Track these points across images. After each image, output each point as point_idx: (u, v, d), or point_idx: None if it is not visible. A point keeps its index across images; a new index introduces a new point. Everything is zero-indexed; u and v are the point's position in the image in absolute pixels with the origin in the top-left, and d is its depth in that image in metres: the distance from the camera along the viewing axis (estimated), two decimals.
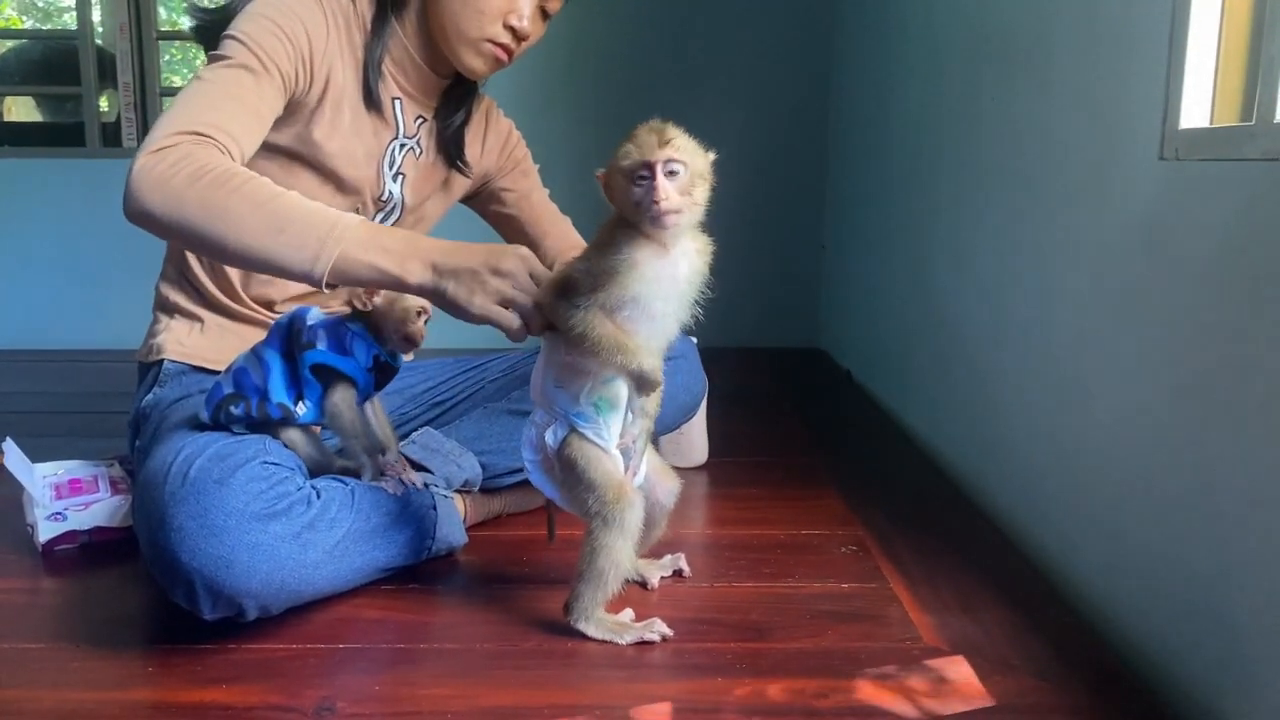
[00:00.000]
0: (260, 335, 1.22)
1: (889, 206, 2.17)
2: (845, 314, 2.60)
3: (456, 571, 1.24)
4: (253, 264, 1.05)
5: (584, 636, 1.04)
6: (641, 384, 0.99)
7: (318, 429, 1.20)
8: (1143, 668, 1.03)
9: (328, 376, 1.13)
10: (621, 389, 1.02)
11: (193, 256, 1.32)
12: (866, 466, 1.71)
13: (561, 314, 0.98)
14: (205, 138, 1.07)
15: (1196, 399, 0.97)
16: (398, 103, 1.32)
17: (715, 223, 1.00)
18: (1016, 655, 1.02)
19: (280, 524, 1.02)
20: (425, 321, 1.14)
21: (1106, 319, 1.15)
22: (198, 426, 1.12)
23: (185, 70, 3.93)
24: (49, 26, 4.00)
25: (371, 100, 1.28)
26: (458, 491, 1.30)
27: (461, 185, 1.45)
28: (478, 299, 1.01)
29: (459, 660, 1.01)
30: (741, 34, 2.77)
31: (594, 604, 1.03)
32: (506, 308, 1.01)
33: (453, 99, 1.37)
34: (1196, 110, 1.00)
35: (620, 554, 1.01)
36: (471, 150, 1.42)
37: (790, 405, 2.19)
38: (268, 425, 1.13)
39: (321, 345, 1.12)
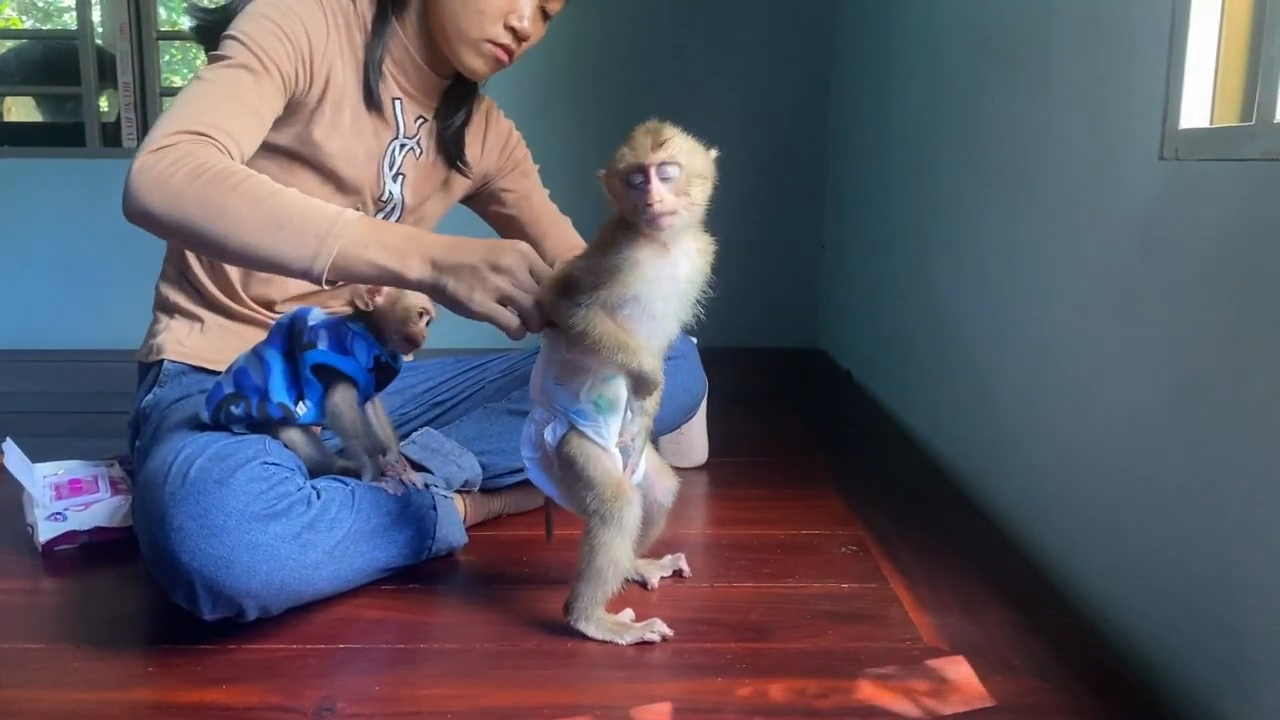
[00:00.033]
0: (260, 335, 1.22)
1: (889, 206, 2.17)
2: (845, 314, 2.60)
3: (456, 572, 1.24)
4: (252, 262, 1.05)
5: (584, 636, 1.04)
6: (640, 384, 0.98)
7: (318, 429, 1.20)
8: (1143, 668, 1.03)
9: (328, 376, 1.13)
10: (622, 387, 1.02)
11: (193, 256, 1.32)
12: (866, 466, 1.71)
13: (562, 312, 0.98)
14: (204, 137, 1.07)
15: (1196, 399, 0.97)
16: (398, 103, 1.32)
17: (715, 222, 1.00)
18: (1016, 655, 1.02)
19: (280, 524, 1.02)
20: (427, 323, 1.14)
21: (1106, 319, 1.15)
22: (198, 426, 1.12)
23: (185, 70, 3.93)
24: (49, 26, 4.00)
25: (372, 100, 1.28)
26: (458, 492, 1.30)
27: (462, 185, 1.45)
28: (477, 296, 1.01)
29: (459, 660, 1.01)
30: (741, 34, 2.77)
31: (594, 603, 1.03)
32: (506, 305, 1.01)
33: (453, 99, 1.37)
34: (1196, 110, 1.00)
35: (619, 552, 1.01)
36: (472, 151, 1.42)
37: (790, 405, 2.19)
38: (268, 425, 1.13)
39: (323, 345, 1.12)
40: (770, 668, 0.99)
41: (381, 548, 1.14)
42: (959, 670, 0.99)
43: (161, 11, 2.99)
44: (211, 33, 1.22)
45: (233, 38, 1.16)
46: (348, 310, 1.19)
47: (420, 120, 1.35)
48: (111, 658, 1.02)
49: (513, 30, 1.25)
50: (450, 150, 1.39)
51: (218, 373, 1.22)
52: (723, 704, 0.93)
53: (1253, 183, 0.89)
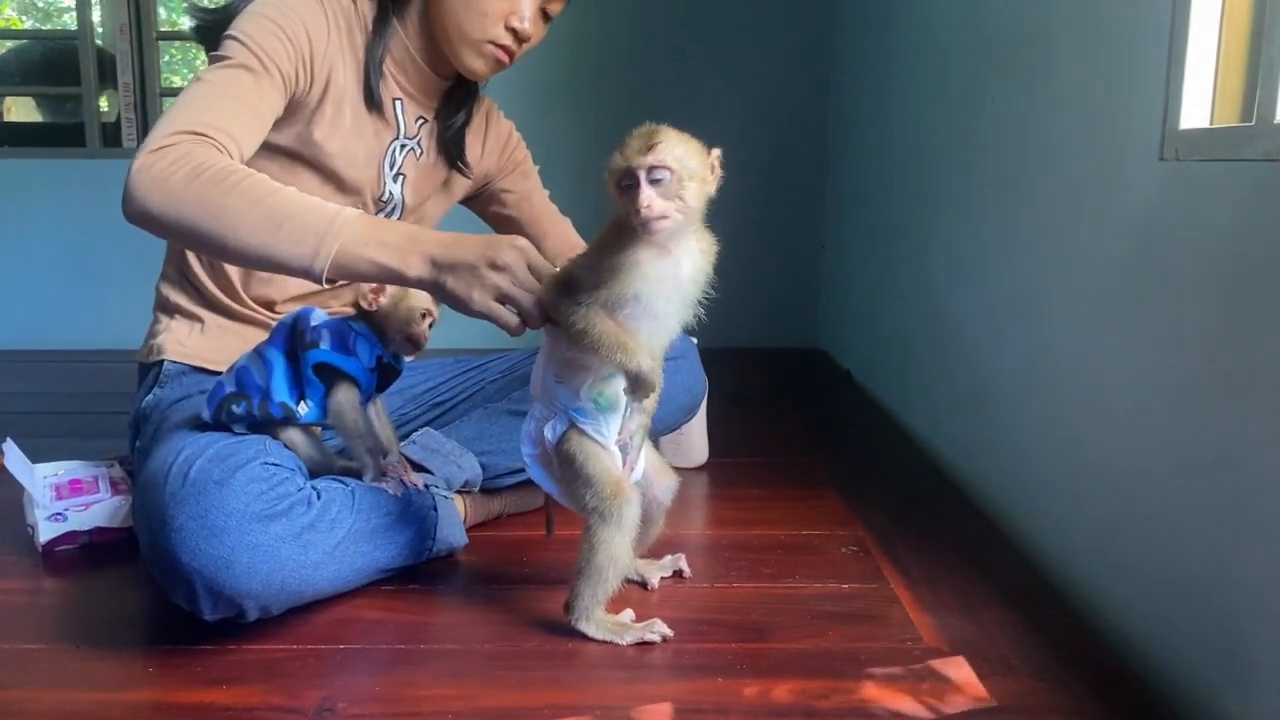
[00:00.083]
0: (261, 336, 1.22)
1: (889, 206, 2.17)
2: (845, 314, 2.60)
3: (457, 572, 1.24)
4: (252, 261, 1.05)
5: (584, 637, 1.04)
6: (638, 384, 0.98)
7: (318, 429, 1.21)
8: (1143, 668, 1.04)
9: (330, 376, 1.13)
10: (622, 386, 1.02)
11: (193, 257, 1.32)
12: (866, 466, 1.71)
13: (563, 310, 0.98)
14: (204, 137, 1.07)
15: (1196, 399, 0.97)
16: (398, 103, 1.32)
17: (715, 222, 1.00)
18: (1016, 656, 1.02)
19: (281, 525, 1.02)
20: (430, 325, 1.14)
21: (1106, 319, 1.15)
22: (198, 427, 1.12)
23: (185, 70, 3.93)
24: (49, 27, 4.00)
25: (372, 100, 1.28)
26: (458, 492, 1.30)
27: (462, 186, 1.45)
28: (476, 294, 1.01)
29: (459, 661, 1.01)
30: (741, 34, 2.77)
31: (594, 601, 1.03)
32: (505, 303, 1.01)
33: (453, 100, 1.37)
34: (1196, 111, 1.00)
35: (618, 549, 1.01)
36: (472, 151, 1.42)
37: (790, 405, 2.19)
38: (269, 425, 1.13)
39: (325, 345, 1.12)
40: (771, 668, 1.00)
41: (382, 548, 1.14)
42: (959, 670, 0.99)
43: (161, 12, 2.99)
44: (212, 33, 1.22)
45: (233, 38, 1.16)
46: (349, 311, 1.19)
47: (421, 121, 1.35)
48: (112, 658, 1.02)
49: (514, 31, 1.25)
50: (451, 151, 1.39)
51: (218, 373, 1.22)
52: (723, 705, 0.93)
53: (1253, 183, 0.89)
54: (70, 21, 3.05)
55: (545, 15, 1.28)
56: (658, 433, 1.43)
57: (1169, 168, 1.02)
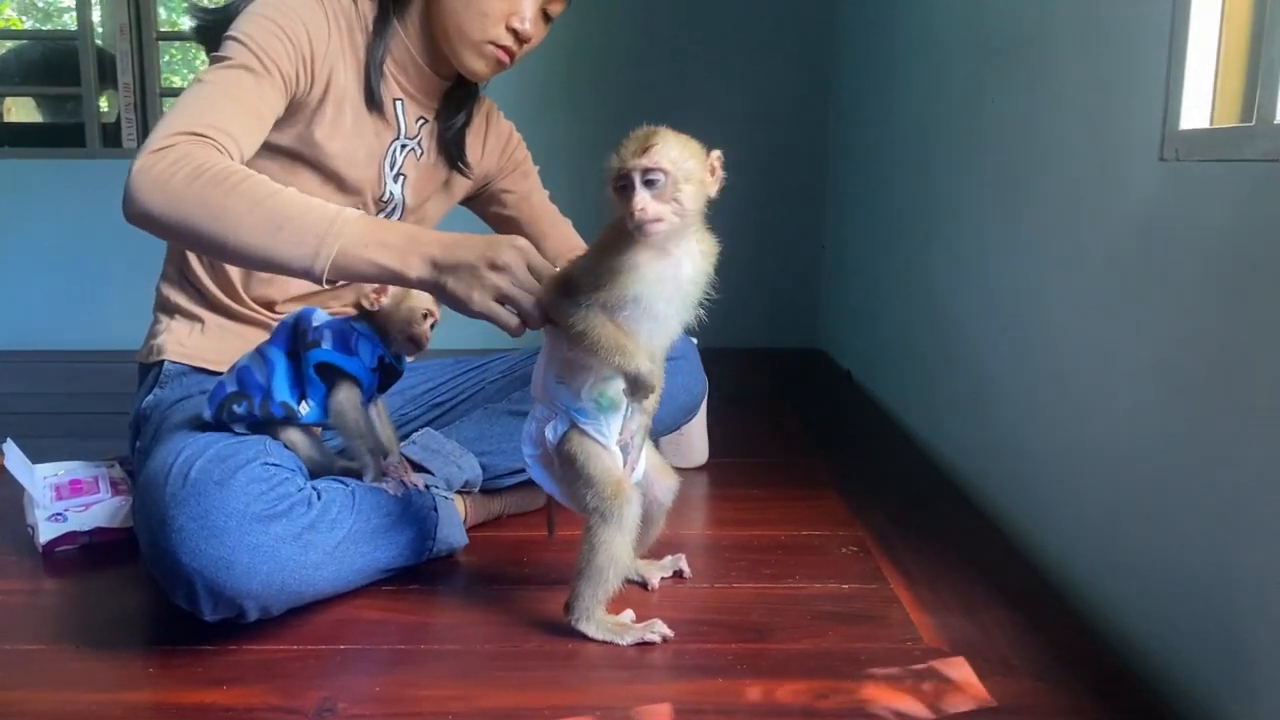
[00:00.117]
0: (261, 336, 1.22)
1: (889, 206, 2.17)
2: (845, 314, 2.60)
3: (457, 572, 1.24)
4: (253, 262, 1.05)
5: (585, 637, 1.04)
6: (637, 386, 0.98)
7: (319, 430, 1.21)
8: (1143, 668, 1.04)
9: (332, 376, 1.14)
10: (622, 386, 1.02)
11: (193, 257, 1.32)
12: (866, 466, 1.71)
13: (563, 311, 0.98)
14: (204, 138, 1.07)
15: (1196, 399, 0.97)
16: (399, 103, 1.32)
17: (715, 223, 1.00)
18: (1016, 656, 1.02)
19: (281, 525, 1.02)
20: (432, 325, 1.14)
21: (1106, 319, 1.15)
22: (198, 427, 1.12)
23: (185, 70, 3.93)
24: (49, 27, 4.00)
25: (373, 101, 1.28)
26: (458, 492, 1.30)
27: (462, 186, 1.45)
28: (476, 294, 1.01)
29: (460, 661, 1.01)
30: (741, 34, 2.77)
31: (594, 602, 1.03)
32: (505, 303, 1.01)
33: (454, 100, 1.37)
34: (1196, 111, 1.00)
35: (619, 550, 1.01)
36: (472, 152, 1.42)
37: (790, 405, 2.19)
38: (270, 424, 1.13)
39: (327, 345, 1.12)
40: (771, 668, 1.00)
41: (382, 548, 1.14)
42: (959, 670, 0.99)
43: (161, 12, 2.99)
44: (212, 33, 1.22)
45: (233, 38, 1.16)
46: (351, 311, 1.19)
47: (421, 121, 1.35)
48: (112, 659, 1.02)
49: (514, 32, 1.25)
50: (451, 151, 1.39)
51: (218, 374, 1.22)
52: (724, 705, 0.93)
53: (1253, 183, 0.89)
54: (70, 21, 3.05)
55: (546, 16, 1.28)
56: (658, 433, 1.43)
57: (1169, 168, 1.02)
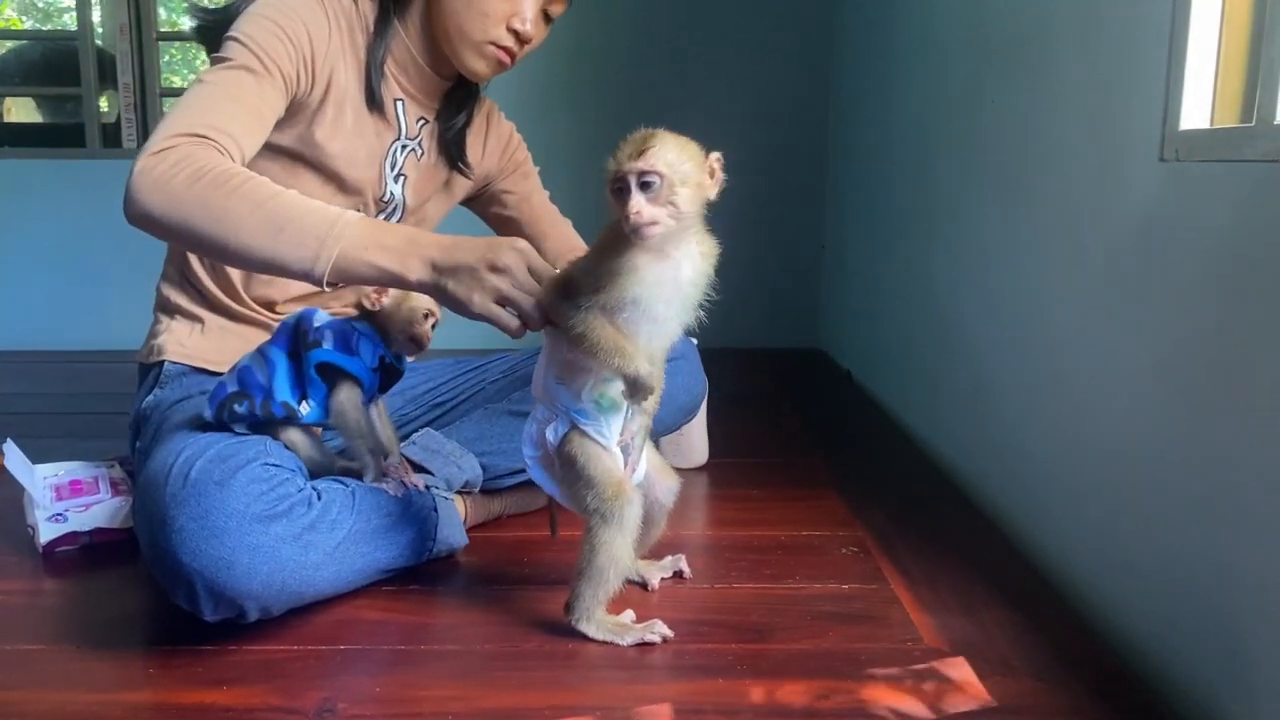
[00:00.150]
0: (261, 336, 1.22)
1: (889, 206, 2.17)
2: (845, 314, 2.60)
3: (457, 573, 1.24)
4: (254, 264, 1.05)
5: (585, 637, 1.04)
6: (636, 388, 0.98)
7: (319, 430, 1.21)
8: (1143, 668, 1.04)
9: (333, 376, 1.14)
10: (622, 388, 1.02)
11: (194, 257, 1.32)
12: (866, 466, 1.71)
13: (562, 314, 0.98)
14: (205, 139, 1.07)
15: (1196, 399, 0.97)
16: (400, 104, 1.32)
17: (715, 223, 1.00)
18: (1016, 656, 1.02)
19: (281, 525, 1.02)
20: (433, 325, 1.14)
21: (1107, 319, 1.15)
22: (199, 427, 1.12)
23: (185, 70, 3.93)
24: (49, 27, 4.00)
25: (374, 101, 1.28)
26: (458, 493, 1.30)
27: (463, 187, 1.45)
28: (476, 297, 1.01)
29: (460, 661, 1.01)
30: (741, 34, 2.77)
31: (595, 602, 1.03)
32: (505, 305, 1.01)
33: (454, 101, 1.37)
34: (1197, 112, 1.00)
35: (619, 551, 1.01)
36: (473, 152, 1.42)
37: (790, 405, 2.19)
38: (271, 424, 1.13)
39: (328, 345, 1.12)
40: (771, 669, 1.00)
41: (382, 549, 1.14)
42: (959, 671, 0.99)
43: (161, 12, 2.99)
44: (213, 33, 1.22)
45: (234, 39, 1.16)
46: (351, 311, 1.19)
47: (422, 121, 1.35)
48: (112, 659, 1.02)
49: (515, 33, 1.25)
50: (452, 152, 1.39)
51: (218, 374, 1.22)
52: (724, 705, 0.93)
53: (1253, 184, 0.89)
54: (70, 22, 3.05)
55: (547, 16, 1.28)
56: (658, 433, 1.43)
57: (1169, 168, 1.02)
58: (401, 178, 1.35)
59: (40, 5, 4.13)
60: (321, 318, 1.15)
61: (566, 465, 1.04)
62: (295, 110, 1.22)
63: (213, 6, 1.29)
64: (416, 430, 1.37)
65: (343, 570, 1.09)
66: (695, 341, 1.50)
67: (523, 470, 1.18)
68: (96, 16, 2.83)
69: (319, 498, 1.08)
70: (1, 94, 3.13)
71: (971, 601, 1.15)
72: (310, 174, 1.27)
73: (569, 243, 1.48)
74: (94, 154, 2.82)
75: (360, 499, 1.12)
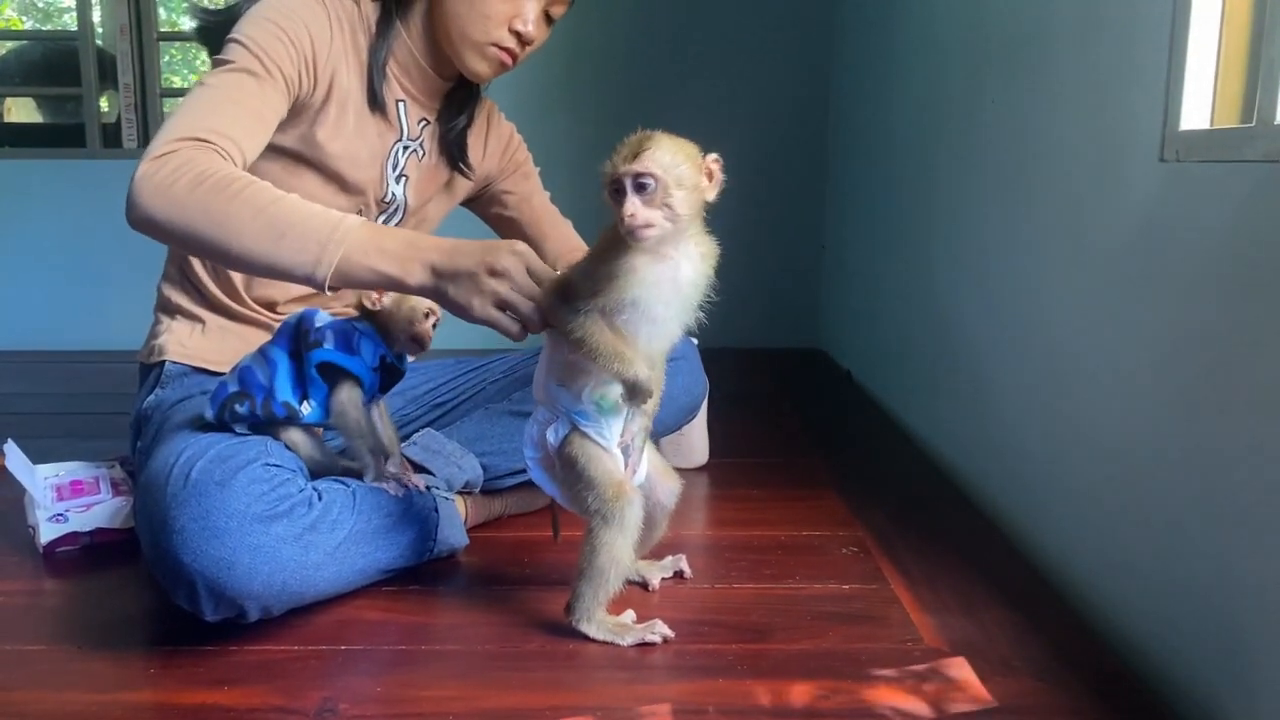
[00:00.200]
0: (262, 337, 1.22)
1: (889, 206, 2.17)
2: (845, 314, 2.60)
3: (458, 573, 1.24)
4: (255, 269, 1.05)
5: (585, 638, 1.04)
6: (635, 392, 0.99)
7: (320, 430, 1.21)
8: (1143, 668, 1.04)
9: (334, 376, 1.14)
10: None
11: (195, 257, 1.32)
12: (866, 466, 1.71)
13: (562, 317, 0.98)
14: (206, 143, 1.07)
15: (1197, 399, 0.97)
16: (401, 105, 1.32)
17: (715, 223, 1.00)
18: (1017, 656, 1.02)
19: (282, 526, 1.02)
20: (434, 324, 1.14)
21: (1107, 319, 1.15)
22: (199, 428, 1.12)
23: (186, 71, 3.93)
24: (49, 27, 4.00)
25: (375, 102, 1.28)
26: (459, 493, 1.30)
27: (464, 187, 1.45)
28: (476, 301, 1.01)
29: (460, 662, 1.01)
30: (741, 35, 2.77)
31: (595, 603, 1.03)
32: (505, 309, 1.02)
33: (456, 102, 1.37)
34: (1197, 112, 1.00)
35: (620, 551, 1.01)
36: (473, 153, 1.42)
37: (790, 405, 2.19)
38: (272, 424, 1.13)
39: (329, 345, 1.12)
40: (771, 669, 1.00)
41: (383, 549, 1.14)
42: (959, 671, 0.99)
43: (162, 12, 2.99)
44: (214, 34, 1.22)
45: (236, 41, 1.16)
46: (351, 311, 1.19)
47: (423, 122, 1.35)
48: (113, 659, 1.03)
49: (517, 34, 1.25)
50: (453, 152, 1.39)
51: (219, 374, 1.22)
52: (724, 705, 0.93)
53: (1253, 184, 0.89)
54: (70, 22, 3.05)
55: (548, 18, 1.28)
56: (658, 434, 1.43)
57: (1169, 168, 1.03)
58: (403, 178, 1.35)
59: (40, 5, 4.14)
60: (323, 318, 1.15)
61: (567, 467, 1.04)
62: (297, 111, 1.22)
63: (214, 7, 1.29)
64: (417, 430, 1.37)
65: (343, 570, 1.09)
66: (695, 342, 1.50)
67: (523, 470, 1.19)
68: (97, 16, 2.83)
69: (320, 498, 1.08)
70: (2, 94, 3.13)
71: (971, 601, 1.15)
72: (312, 175, 1.27)
73: (569, 243, 1.48)
74: (94, 154, 2.82)
75: (361, 499, 1.12)
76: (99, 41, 2.83)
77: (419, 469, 1.27)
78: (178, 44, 3.72)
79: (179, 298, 1.33)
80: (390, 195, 1.34)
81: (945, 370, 1.74)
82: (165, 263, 1.37)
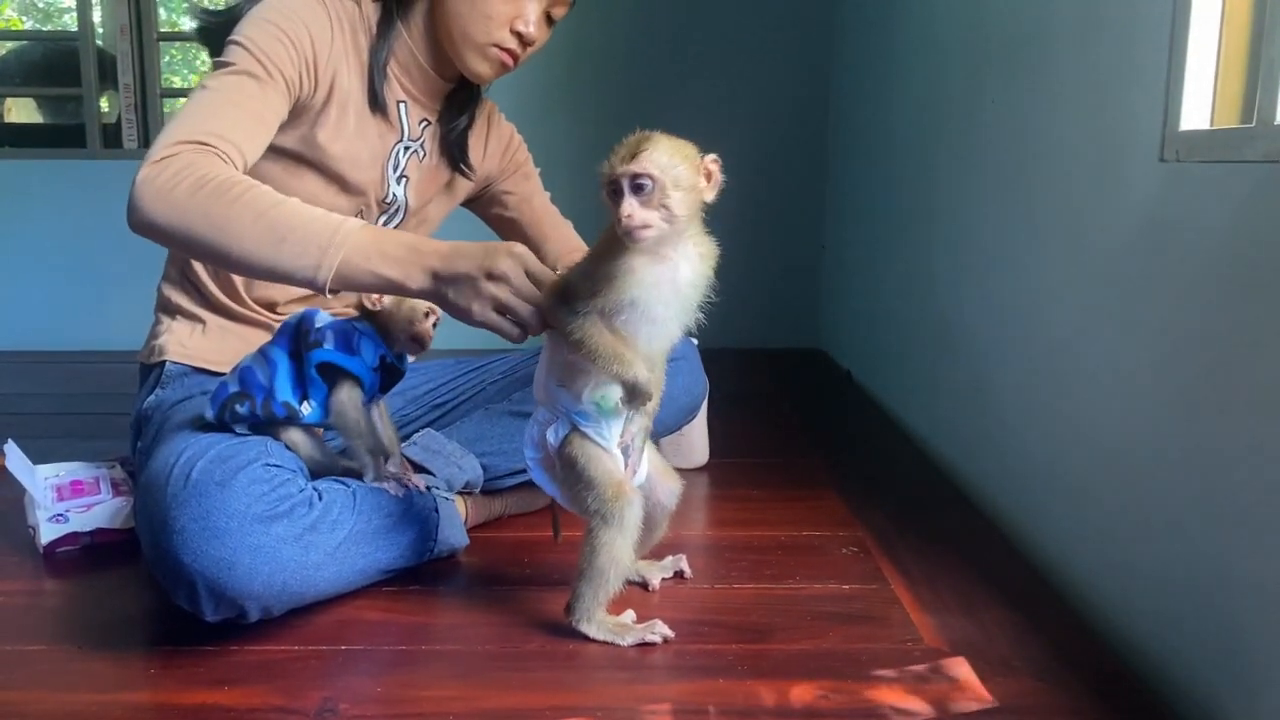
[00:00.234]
0: (263, 337, 1.23)
1: (889, 206, 2.17)
2: (845, 314, 2.61)
3: (458, 573, 1.24)
4: (256, 273, 1.05)
5: (585, 638, 1.04)
6: (634, 394, 0.99)
7: (320, 430, 1.21)
8: (1143, 668, 1.04)
9: (334, 376, 1.14)
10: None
11: (196, 261, 1.32)
12: (866, 466, 1.71)
13: (562, 319, 0.98)
14: (207, 146, 1.07)
15: (1197, 399, 0.97)
16: (402, 105, 1.32)
17: (715, 223, 1.00)
18: (1017, 656, 1.02)
19: (282, 526, 1.02)
20: (434, 324, 1.14)
21: (1107, 319, 1.15)
22: (200, 428, 1.13)
23: (186, 71, 3.93)
24: (49, 28, 4.00)
25: (376, 103, 1.28)
26: (459, 493, 1.30)
27: (464, 188, 1.45)
28: (476, 306, 1.01)
29: (460, 662, 1.02)
30: (741, 35, 2.77)
31: (595, 603, 1.04)
32: (505, 313, 1.02)
33: (456, 103, 1.37)
34: (1197, 112, 1.01)
35: (620, 552, 1.01)
36: (474, 154, 1.42)
37: (790, 405, 2.19)
38: (272, 424, 1.13)
39: (329, 345, 1.13)
40: (771, 669, 1.00)
41: (383, 549, 1.14)
42: (960, 671, 0.99)
43: (162, 12, 2.99)
44: (215, 35, 1.22)
45: (237, 43, 1.16)
46: (352, 311, 1.19)
47: (424, 123, 1.35)
48: (113, 659, 1.03)
49: (518, 35, 1.25)
50: (454, 153, 1.39)
51: (220, 374, 1.22)
52: (724, 706, 0.93)
53: (1253, 184, 0.89)
54: (70, 22, 3.05)
55: (549, 19, 1.28)
56: (658, 434, 1.43)
57: (1169, 169, 1.03)
58: (404, 179, 1.35)
59: (40, 5, 4.14)
60: (323, 318, 1.15)
61: (567, 467, 1.04)
62: (298, 113, 1.22)
63: (215, 8, 1.29)
64: (417, 430, 1.37)
65: (344, 571, 1.09)
66: (695, 342, 1.50)
67: (523, 470, 1.19)
68: (97, 17, 2.83)
69: (320, 498, 1.08)
70: (2, 94, 3.13)
71: (971, 601, 1.15)
72: (313, 176, 1.27)
73: (570, 244, 1.48)
74: (94, 154, 2.82)
75: (361, 499, 1.13)
76: (99, 42, 2.83)
77: (419, 469, 1.27)
78: (178, 44, 3.72)
79: (179, 298, 1.33)
80: (391, 196, 1.34)
81: (945, 370, 1.74)
82: (166, 263, 1.37)
